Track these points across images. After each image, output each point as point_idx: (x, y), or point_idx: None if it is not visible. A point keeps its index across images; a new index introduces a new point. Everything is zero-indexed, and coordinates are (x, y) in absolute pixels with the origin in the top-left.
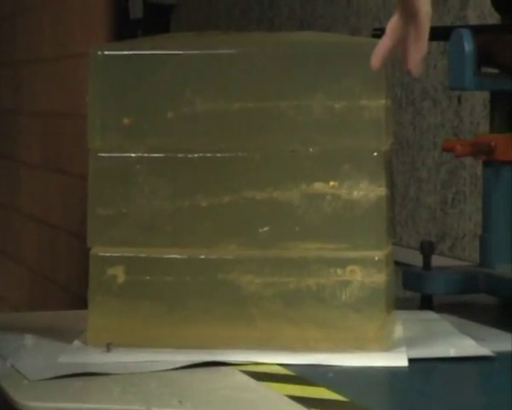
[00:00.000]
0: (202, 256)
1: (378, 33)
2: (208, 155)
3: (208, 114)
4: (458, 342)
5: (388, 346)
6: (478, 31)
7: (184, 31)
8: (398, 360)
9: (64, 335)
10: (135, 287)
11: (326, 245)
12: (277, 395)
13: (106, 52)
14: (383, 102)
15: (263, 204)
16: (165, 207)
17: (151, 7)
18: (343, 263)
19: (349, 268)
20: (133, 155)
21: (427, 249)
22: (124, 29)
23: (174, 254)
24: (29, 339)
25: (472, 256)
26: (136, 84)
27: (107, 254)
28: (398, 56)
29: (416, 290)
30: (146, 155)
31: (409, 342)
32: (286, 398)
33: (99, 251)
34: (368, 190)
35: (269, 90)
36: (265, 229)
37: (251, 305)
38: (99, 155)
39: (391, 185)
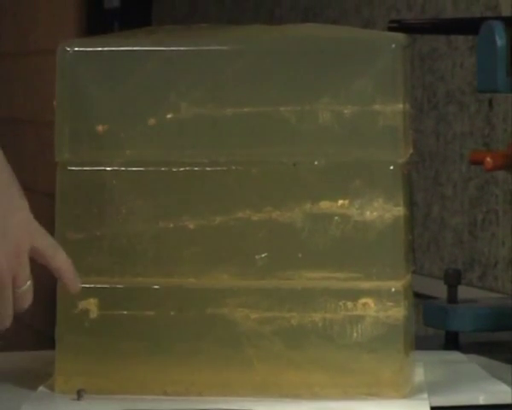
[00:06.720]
0: (189, 287)
1: (395, 26)
2: (196, 168)
3: (196, 120)
4: (489, 387)
5: (407, 392)
6: None
7: (168, 23)
8: (419, 408)
9: (27, 380)
10: (110, 323)
11: (334, 274)
12: None
13: (76, 48)
14: (400, 106)
15: (260, 226)
16: (146, 229)
17: None
18: (354, 295)
19: (361, 301)
20: (108, 168)
21: (452, 279)
22: (97, 21)
23: (156, 285)
24: None
25: (505, 287)
26: (112, 87)
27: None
28: (418, 52)
29: (439, 327)
30: (123, 168)
31: (431, 388)
32: None
33: None
34: (383, 210)
35: (267, 93)
36: (263, 255)
37: (246, 344)
38: (68, 168)
39: (410, 204)
